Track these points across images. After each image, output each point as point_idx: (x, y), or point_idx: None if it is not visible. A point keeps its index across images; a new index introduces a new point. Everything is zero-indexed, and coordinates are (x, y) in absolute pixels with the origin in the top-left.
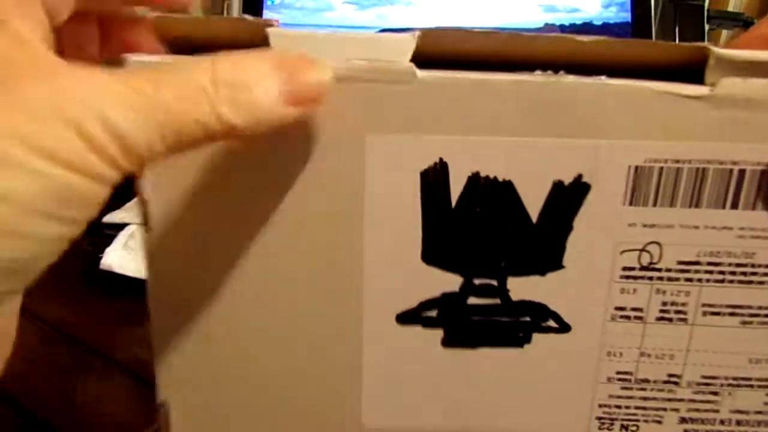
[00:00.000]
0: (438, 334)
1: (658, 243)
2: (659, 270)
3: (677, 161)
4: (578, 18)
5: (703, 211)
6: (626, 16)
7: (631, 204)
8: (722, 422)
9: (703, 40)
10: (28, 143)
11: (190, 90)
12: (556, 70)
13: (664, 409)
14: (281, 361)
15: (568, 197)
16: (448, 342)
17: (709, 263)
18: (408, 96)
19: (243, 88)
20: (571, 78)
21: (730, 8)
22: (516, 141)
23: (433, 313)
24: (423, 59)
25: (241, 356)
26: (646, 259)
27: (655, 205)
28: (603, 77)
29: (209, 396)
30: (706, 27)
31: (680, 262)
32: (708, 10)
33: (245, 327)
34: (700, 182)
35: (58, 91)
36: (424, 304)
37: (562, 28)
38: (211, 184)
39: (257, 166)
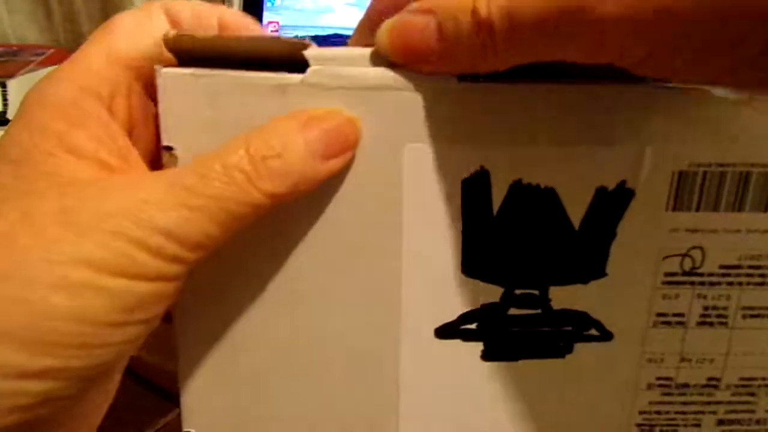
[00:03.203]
0: (478, 347)
1: (700, 248)
2: (701, 275)
3: (721, 165)
4: None
5: (746, 215)
6: None
7: (674, 209)
8: (758, 422)
9: None
10: (90, 263)
11: (233, 175)
12: (598, 75)
13: (703, 413)
14: (316, 378)
15: (611, 204)
16: (487, 355)
17: (750, 266)
18: (448, 105)
19: (276, 157)
20: (616, 85)
21: None
22: (559, 149)
23: (473, 326)
24: None
25: (272, 381)
26: (688, 264)
27: (698, 209)
28: (647, 83)
29: (236, 424)
30: None
31: (722, 266)
32: None
33: (277, 349)
34: (744, 186)
35: (110, 212)
36: (463, 316)
37: None
38: None
39: None
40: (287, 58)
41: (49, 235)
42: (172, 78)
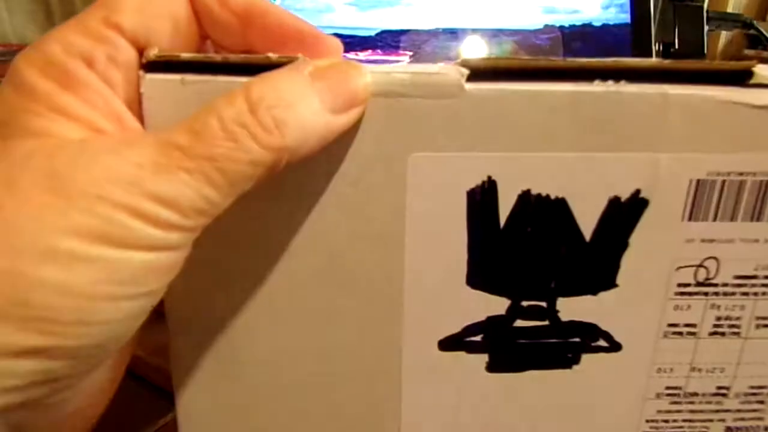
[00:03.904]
0: (482, 359)
1: (715, 258)
2: (715, 285)
3: (741, 174)
4: (578, 19)
5: (764, 225)
6: (626, 17)
7: (690, 219)
8: (766, 429)
9: (702, 41)
10: (79, 232)
11: (232, 130)
12: (614, 77)
13: (711, 420)
14: (315, 391)
15: (624, 214)
16: (493, 367)
17: (766, 276)
18: (454, 111)
19: (285, 107)
20: (632, 88)
21: (730, 9)
22: (570, 156)
23: (478, 338)
24: (470, 68)
25: (270, 393)
26: (702, 275)
27: (715, 219)
28: (666, 86)
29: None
30: (706, 28)
31: (737, 277)
32: (707, 11)
33: (275, 361)
34: (764, 195)
35: (100, 177)
36: (468, 328)
37: (562, 29)
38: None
39: (291, 184)
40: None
41: (35, 202)
42: (159, 84)
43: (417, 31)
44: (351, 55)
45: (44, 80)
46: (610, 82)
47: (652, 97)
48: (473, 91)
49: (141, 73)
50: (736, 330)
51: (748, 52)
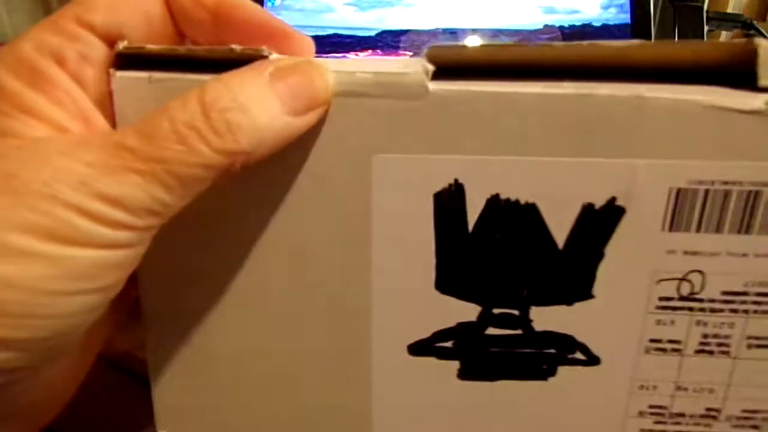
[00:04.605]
0: (454, 365)
1: (700, 272)
2: (701, 300)
3: (726, 183)
4: (577, 19)
5: (754, 238)
6: (625, 17)
7: (671, 230)
8: None
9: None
10: (29, 229)
11: (183, 134)
12: (585, 76)
13: None
14: (286, 391)
15: (599, 222)
16: (464, 374)
17: (758, 293)
18: (419, 111)
19: (238, 110)
20: (606, 89)
21: (730, 9)
22: (540, 161)
23: (449, 344)
24: (437, 65)
25: (242, 390)
26: (686, 289)
27: (698, 230)
28: (642, 87)
29: (212, 425)
30: (706, 28)
31: (725, 293)
32: (707, 12)
33: (249, 358)
34: (752, 206)
35: (48, 176)
36: (438, 334)
37: (562, 30)
38: (207, 205)
39: (255, 186)
40: (248, 62)
41: None
42: (127, 81)
43: (417, 31)
44: (351, 55)
45: (13, 79)
46: (581, 83)
47: (626, 99)
48: (438, 91)
49: (111, 70)
50: (725, 349)
51: None
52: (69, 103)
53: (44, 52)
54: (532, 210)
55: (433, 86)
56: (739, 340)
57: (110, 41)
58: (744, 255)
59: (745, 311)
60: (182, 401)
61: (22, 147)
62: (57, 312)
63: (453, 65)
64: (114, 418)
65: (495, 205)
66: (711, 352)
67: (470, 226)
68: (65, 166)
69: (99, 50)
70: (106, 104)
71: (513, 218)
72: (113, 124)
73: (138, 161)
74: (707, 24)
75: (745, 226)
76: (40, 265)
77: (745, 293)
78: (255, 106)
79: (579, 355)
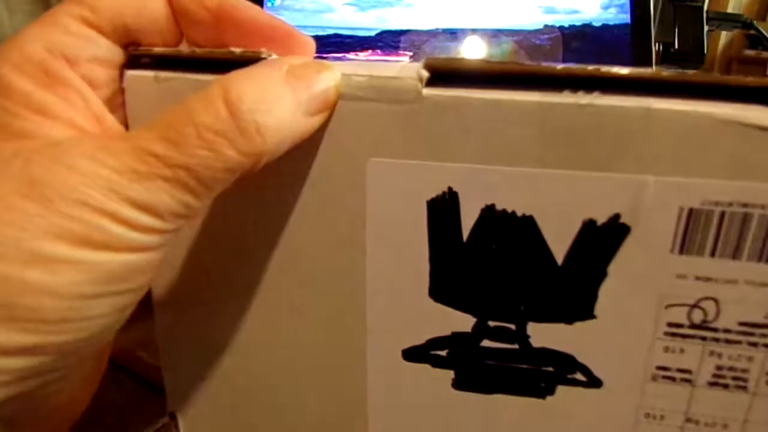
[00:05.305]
0: (449, 374)
1: (714, 299)
2: (715, 330)
3: (746, 205)
4: (577, 19)
5: None
6: (625, 17)
7: (681, 252)
8: None
9: (702, 41)
10: (62, 236)
11: (205, 139)
12: (589, 86)
13: None
14: (286, 385)
15: (601, 239)
16: (459, 385)
17: None
18: (412, 117)
19: (266, 111)
20: (608, 100)
21: (730, 9)
22: (538, 172)
23: (443, 353)
24: (434, 72)
25: (245, 378)
26: (698, 317)
27: (713, 255)
28: (650, 99)
29: (217, 410)
30: (706, 28)
31: (743, 323)
32: (707, 12)
33: (246, 348)
34: None
35: (78, 182)
36: (432, 342)
37: (562, 30)
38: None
39: (251, 190)
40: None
41: (18, 209)
42: (136, 80)
43: (417, 32)
44: (351, 55)
45: (24, 80)
46: (581, 93)
47: (632, 110)
48: (432, 96)
49: (124, 70)
50: (742, 384)
51: (748, 52)
52: (81, 103)
53: (56, 53)
54: (529, 223)
55: (427, 92)
56: (758, 376)
57: (119, 41)
58: (765, 285)
59: (766, 345)
60: (190, 385)
61: (41, 150)
62: (91, 315)
63: (450, 72)
64: (114, 418)
65: (490, 215)
66: (726, 386)
67: (465, 236)
68: (93, 172)
69: (108, 51)
70: (115, 104)
71: (509, 230)
72: (123, 123)
73: (165, 167)
74: (707, 24)
75: (767, 255)
76: (75, 271)
77: (765, 326)
78: (277, 105)
79: (579, 376)
